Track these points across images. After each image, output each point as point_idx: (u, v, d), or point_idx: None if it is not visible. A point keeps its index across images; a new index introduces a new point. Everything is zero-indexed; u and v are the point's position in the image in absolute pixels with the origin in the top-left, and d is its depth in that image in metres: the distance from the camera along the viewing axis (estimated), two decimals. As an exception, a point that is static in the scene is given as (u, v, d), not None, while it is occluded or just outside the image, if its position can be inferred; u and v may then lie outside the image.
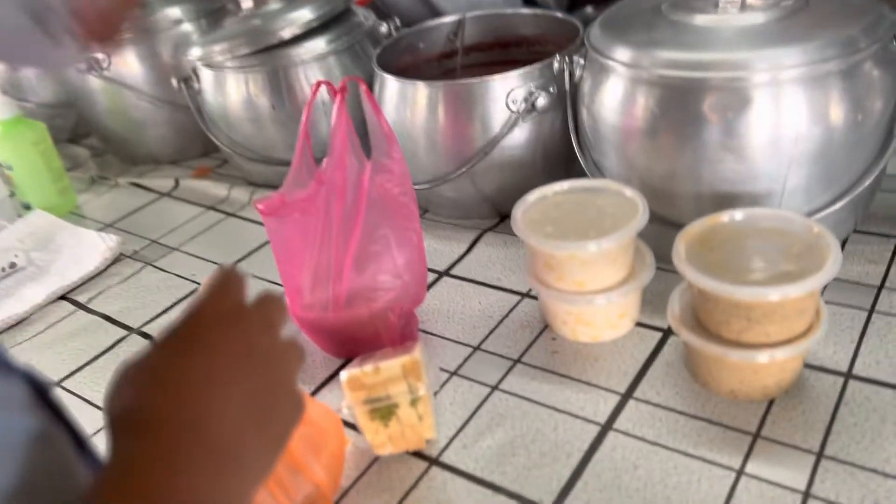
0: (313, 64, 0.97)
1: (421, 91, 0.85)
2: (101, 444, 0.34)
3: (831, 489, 0.51)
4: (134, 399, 0.32)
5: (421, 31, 1.00)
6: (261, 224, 0.67)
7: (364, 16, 1.04)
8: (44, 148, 1.07)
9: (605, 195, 0.69)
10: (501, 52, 1.01)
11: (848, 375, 0.60)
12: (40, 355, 0.81)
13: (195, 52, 1.01)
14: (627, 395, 0.62)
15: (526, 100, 0.81)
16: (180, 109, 1.11)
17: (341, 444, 0.59)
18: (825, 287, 0.66)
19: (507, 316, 0.74)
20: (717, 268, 0.57)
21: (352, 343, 0.68)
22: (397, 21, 1.05)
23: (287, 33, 0.95)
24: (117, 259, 0.96)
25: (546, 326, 0.71)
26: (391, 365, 0.56)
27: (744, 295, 0.54)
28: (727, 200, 0.68)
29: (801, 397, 0.59)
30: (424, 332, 0.74)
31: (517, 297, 0.76)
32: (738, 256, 0.58)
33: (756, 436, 0.56)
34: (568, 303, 0.66)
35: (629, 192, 0.68)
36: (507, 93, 0.82)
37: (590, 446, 0.58)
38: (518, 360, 0.68)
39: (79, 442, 0.36)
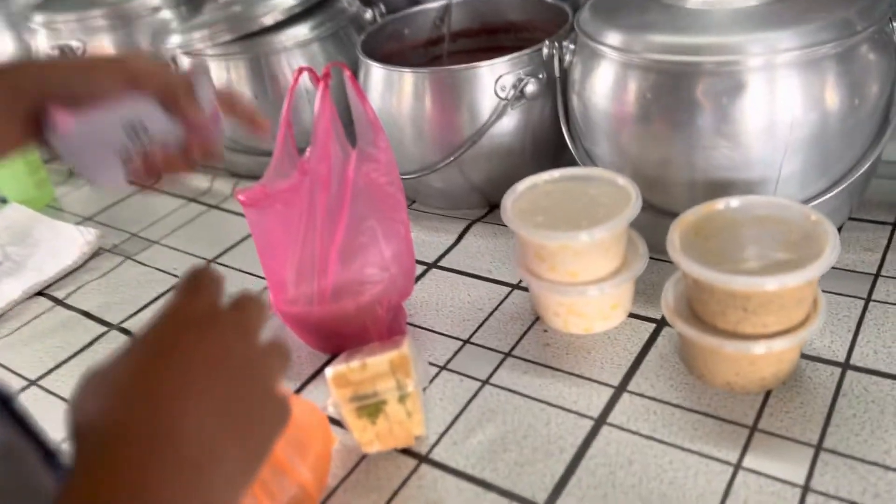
0: (296, 51, 0.95)
1: (407, 78, 0.83)
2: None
3: (831, 483, 0.50)
4: (99, 410, 0.30)
5: (406, 17, 0.98)
6: (244, 216, 0.65)
7: (348, 2, 1.02)
8: (19, 139, 1.04)
9: (596, 184, 0.67)
10: (489, 38, 0.99)
11: (845, 366, 0.59)
12: (17, 353, 0.78)
13: (174, 40, 0.98)
14: (621, 389, 0.61)
15: (515, 87, 0.79)
16: (160, 99, 1.08)
17: (327, 443, 0.57)
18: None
19: (497, 308, 0.72)
20: (712, 257, 0.56)
21: (338, 338, 0.66)
22: (382, 7, 1.03)
23: (269, 19, 0.93)
24: (96, 253, 0.93)
25: (537, 318, 0.70)
26: (379, 361, 0.54)
27: (740, 285, 0.52)
28: (721, 188, 0.66)
29: (798, 389, 0.57)
30: (413, 325, 0.72)
31: (507, 289, 0.75)
32: (734, 245, 0.57)
33: (753, 429, 0.55)
34: (560, 294, 0.64)
35: (621, 180, 0.66)
36: (495, 79, 0.80)
37: (583, 441, 0.56)
38: (509, 354, 0.66)
39: (47, 454, 0.34)
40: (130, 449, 0.29)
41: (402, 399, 0.55)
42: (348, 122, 0.66)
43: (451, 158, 0.83)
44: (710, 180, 0.67)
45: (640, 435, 0.56)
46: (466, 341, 0.69)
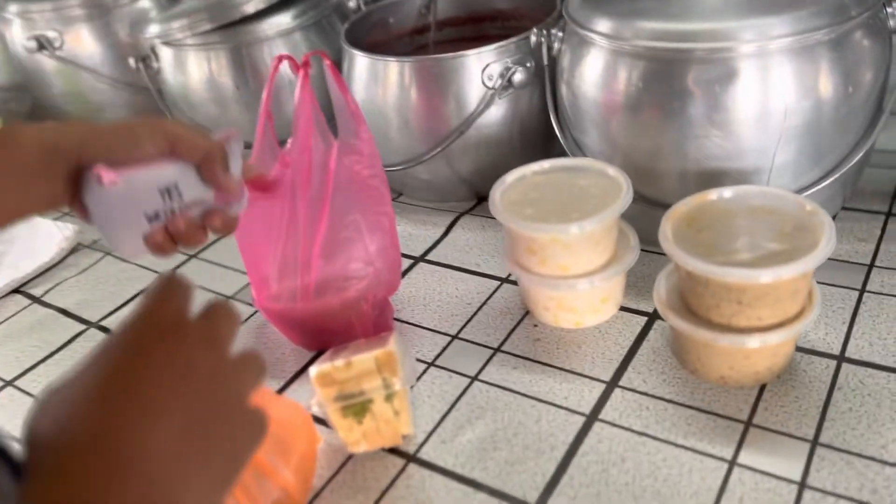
0: (278, 40, 0.93)
1: (392, 68, 0.81)
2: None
3: (828, 479, 0.49)
4: (55, 429, 0.28)
5: (391, 5, 0.96)
6: (226, 210, 0.63)
7: (331, -10, 1.00)
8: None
9: (586, 174, 0.66)
10: (475, 27, 0.98)
11: (841, 358, 0.58)
12: (-8, 353, 0.76)
13: (153, 30, 0.95)
14: (613, 384, 0.59)
15: (502, 75, 0.78)
16: (140, 91, 1.06)
17: (312, 444, 0.55)
18: (814, 267, 0.64)
19: (485, 303, 0.71)
20: (705, 249, 0.54)
21: (323, 334, 0.65)
22: (366, -5, 1.01)
23: (250, 7, 0.90)
24: (74, 249, 0.91)
25: (527, 313, 0.68)
26: (364, 359, 0.52)
27: (735, 277, 0.51)
28: (714, 178, 0.65)
29: (793, 382, 0.56)
30: (399, 321, 0.70)
31: (496, 283, 0.73)
32: (728, 237, 0.56)
33: (748, 424, 0.54)
34: (550, 288, 0.63)
35: (612, 170, 0.65)
36: (482, 68, 0.78)
37: (575, 438, 0.55)
38: (498, 349, 0.65)
39: (18, 471, 0.32)
40: (86, 471, 0.27)
41: (388, 398, 0.53)
42: (330, 112, 0.64)
43: (438, 150, 0.81)
44: (702, 170, 0.65)
45: (633, 431, 0.55)
46: (455, 337, 0.67)
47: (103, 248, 0.91)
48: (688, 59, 0.62)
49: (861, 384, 0.55)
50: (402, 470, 0.55)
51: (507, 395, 0.60)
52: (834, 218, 0.71)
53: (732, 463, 0.51)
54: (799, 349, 0.59)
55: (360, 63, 0.84)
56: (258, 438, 0.33)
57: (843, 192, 0.71)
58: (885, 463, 0.49)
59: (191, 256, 0.86)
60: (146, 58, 1.00)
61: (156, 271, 0.85)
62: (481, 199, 0.88)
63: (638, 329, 0.64)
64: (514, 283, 0.73)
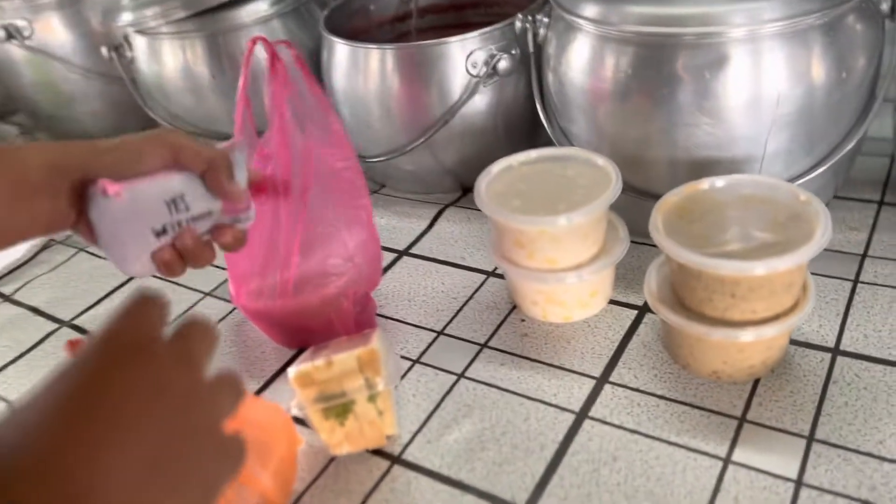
0: (256, 28, 0.90)
1: (373, 56, 0.79)
2: None
3: (825, 476, 0.48)
4: (8, 455, 0.26)
5: (372, -9, 0.94)
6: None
7: (310, -25, 0.97)
8: (-38, 125, 0.98)
9: (574, 164, 0.64)
10: (458, 14, 0.96)
11: (835, 351, 0.56)
12: (-40, 354, 0.73)
13: (126, 18, 0.92)
14: (603, 380, 0.58)
15: (487, 63, 0.76)
16: (114, 81, 1.03)
17: (292, 446, 0.53)
18: (807, 257, 0.63)
19: (472, 297, 0.69)
20: (697, 240, 0.53)
21: (303, 332, 0.62)
22: (346, -19, 0.98)
23: (226, -6, 0.88)
24: (46, 245, 0.88)
25: (514, 307, 0.67)
26: (346, 358, 0.50)
27: (728, 270, 0.50)
28: (704, 167, 0.63)
29: (787, 377, 0.55)
30: (383, 316, 0.68)
31: (482, 277, 0.71)
32: (720, 227, 0.54)
33: (742, 420, 0.52)
34: (539, 282, 0.61)
35: (600, 160, 0.63)
36: (466, 56, 0.76)
37: (564, 437, 0.53)
38: (485, 345, 0.63)
39: None
40: (40, 501, 0.24)
41: (372, 398, 0.51)
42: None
43: (422, 140, 0.79)
44: (692, 159, 0.64)
45: (624, 429, 0.53)
46: (440, 333, 0.65)
47: (76, 245, 0.88)
48: (677, 45, 0.61)
49: (857, 377, 0.54)
50: (387, 472, 0.53)
51: (494, 393, 0.58)
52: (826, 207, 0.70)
53: (727, 461, 0.50)
54: (793, 342, 0.58)
55: (341, 51, 0.81)
56: (234, 467, 0.31)
57: (835, 181, 0.70)
58: (882, 459, 0.48)
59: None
60: (119, 47, 0.97)
61: (131, 268, 0.82)
62: (466, 190, 0.86)
63: (628, 323, 0.63)
64: (501, 276, 0.71)
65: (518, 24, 0.74)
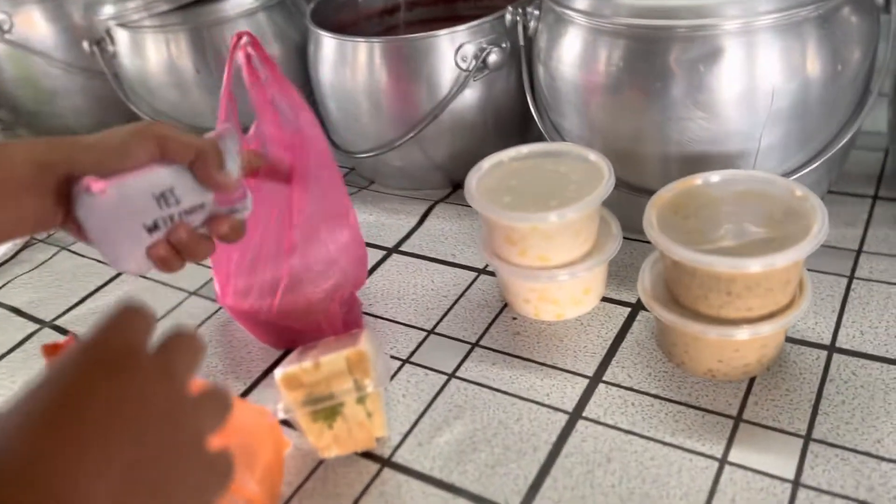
0: (241, 21, 0.88)
1: (361, 49, 0.77)
2: None
3: (822, 476, 0.47)
4: None
5: (360, -16, 0.92)
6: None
7: (296, -32, 0.95)
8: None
9: (566, 160, 0.63)
10: (447, 7, 0.94)
11: (831, 349, 0.56)
12: (-62, 356, 0.71)
13: (108, 11, 0.91)
14: (596, 379, 0.57)
15: (476, 56, 0.74)
16: (96, 76, 1.01)
17: (279, 450, 0.52)
18: (802, 253, 0.62)
19: (462, 295, 0.68)
20: (692, 237, 0.52)
21: (290, 333, 0.61)
22: (333, -26, 0.96)
23: (210, -13, 0.86)
24: (28, 244, 0.87)
25: (505, 305, 0.65)
26: (334, 359, 0.49)
27: (724, 267, 0.49)
28: (698, 163, 0.62)
29: (783, 375, 0.54)
30: (371, 315, 0.67)
31: (473, 274, 0.70)
32: (715, 224, 0.53)
33: (738, 419, 0.51)
34: (531, 279, 0.60)
35: (593, 155, 0.62)
36: (455, 49, 0.75)
37: (558, 438, 0.52)
38: (476, 344, 0.62)
39: None
40: None
41: (361, 400, 0.50)
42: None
43: (411, 135, 0.78)
44: (686, 154, 0.63)
45: (619, 429, 0.52)
46: (430, 332, 0.64)
47: (58, 243, 0.86)
48: (670, 38, 0.60)
49: (853, 375, 0.53)
50: (377, 475, 0.52)
51: (486, 393, 0.57)
52: (820, 202, 0.70)
53: (723, 461, 0.49)
54: (788, 339, 0.57)
55: (328, 45, 0.80)
56: (221, 484, 0.30)
57: (829, 176, 0.69)
58: (880, 458, 0.47)
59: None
60: (101, 41, 0.94)
61: (114, 266, 0.81)
62: (456, 186, 0.84)
63: (621, 321, 0.62)
64: (492, 273, 0.70)
65: (508, 17, 0.73)
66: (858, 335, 0.56)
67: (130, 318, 0.30)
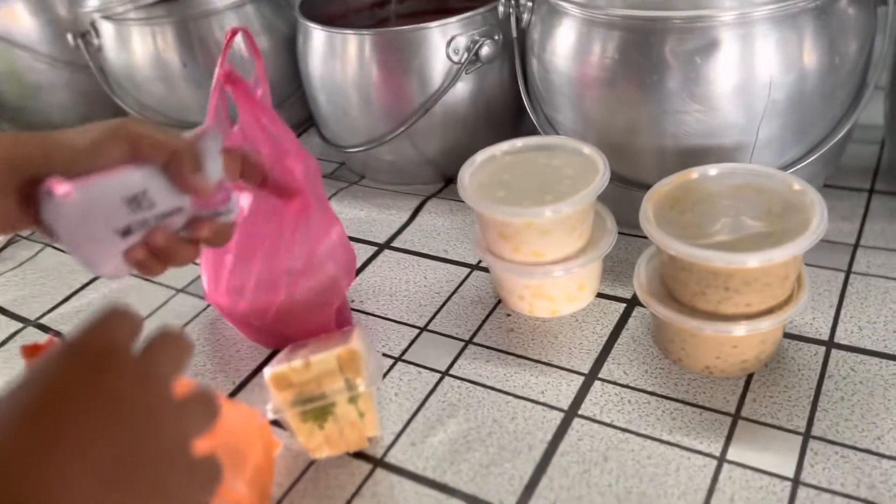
0: (228, 13, 0.87)
1: (351, 42, 0.76)
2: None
3: (823, 475, 0.46)
4: None
5: (349, -25, 0.91)
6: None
7: (285, -40, 0.94)
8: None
9: (560, 154, 0.62)
10: (438, -1, 0.93)
11: (830, 344, 0.55)
12: (-81, 356, 0.70)
13: (92, 3, 0.90)
14: (592, 376, 0.56)
15: (469, 49, 0.73)
16: (81, 70, 0.99)
17: (269, 451, 0.51)
18: (799, 247, 0.61)
19: (455, 291, 0.67)
20: (689, 231, 0.51)
21: (282, 337, 0.60)
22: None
23: (197, -21, 0.84)
24: (11, 241, 0.85)
25: (499, 302, 0.64)
26: (324, 358, 0.48)
27: (722, 262, 0.48)
28: (694, 156, 0.61)
29: (781, 371, 0.53)
30: (364, 312, 0.66)
31: (466, 270, 0.69)
32: (713, 218, 0.52)
33: (736, 416, 0.51)
34: (525, 276, 0.59)
35: (587, 149, 0.61)
36: (447, 42, 0.74)
37: (553, 436, 0.51)
38: (470, 341, 0.61)
39: None
40: None
41: (352, 399, 0.49)
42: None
43: (402, 129, 0.76)
44: (682, 147, 0.62)
45: (615, 427, 0.51)
46: (423, 329, 0.63)
47: (42, 240, 0.85)
48: (666, 29, 0.59)
49: (852, 371, 0.53)
50: (369, 476, 0.51)
51: (480, 391, 0.56)
52: (817, 196, 0.69)
53: (721, 459, 0.48)
54: (786, 335, 0.56)
55: (317, 37, 0.78)
56: (206, 488, 0.29)
57: (825, 170, 0.69)
58: (881, 456, 0.47)
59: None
60: (86, 34, 0.93)
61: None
62: (449, 181, 0.83)
63: (616, 317, 0.61)
64: (486, 269, 0.69)
65: (501, 9, 0.72)
66: (857, 330, 0.56)
67: (114, 320, 0.30)
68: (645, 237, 0.52)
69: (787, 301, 0.51)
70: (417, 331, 0.63)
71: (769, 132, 0.61)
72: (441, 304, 0.65)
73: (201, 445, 0.30)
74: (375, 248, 0.74)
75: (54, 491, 0.24)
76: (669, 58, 0.59)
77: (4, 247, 0.84)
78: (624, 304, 0.62)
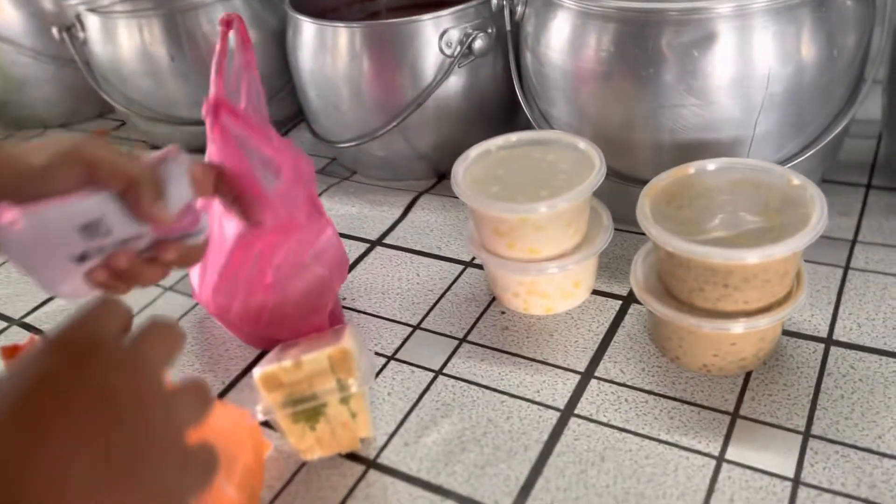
0: (217, 6, 0.85)
1: (341, 35, 0.75)
2: None
3: (823, 474, 0.45)
4: None
5: (340, -32, 0.89)
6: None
7: (274, -48, 0.92)
8: None
9: (555, 148, 0.61)
10: (430, -8, 0.91)
11: (828, 341, 0.54)
12: None
13: (77, -5, 0.87)
14: (588, 375, 0.55)
15: (462, 42, 0.72)
16: (66, 64, 0.98)
17: (259, 453, 0.50)
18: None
19: (449, 289, 0.66)
20: (687, 227, 0.50)
21: (273, 340, 0.58)
22: (313, -42, 0.93)
23: (184, -29, 0.83)
24: (-5, 239, 0.83)
25: (493, 299, 0.63)
26: (316, 358, 0.47)
27: (720, 258, 0.47)
28: (691, 151, 0.61)
29: (780, 369, 0.53)
30: (356, 310, 0.65)
31: (460, 267, 0.68)
32: (711, 214, 0.51)
33: (735, 415, 0.50)
34: (520, 272, 0.58)
35: (583, 144, 0.60)
36: (440, 35, 0.72)
37: (549, 436, 0.50)
38: (464, 340, 0.60)
39: None
40: None
41: (344, 400, 0.48)
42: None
43: (394, 124, 0.75)
44: (679, 142, 0.61)
45: (612, 427, 0.51)
46: (416, 327, 0.62)
47: (27, 237, 0.83)
48: (662, 21, 0.58)
49: (851, 369, 0.52)
50: (362, 477, 0.50)
51: (474, 391, 0.55)
52: (814, 191, 0.68)
53: (720, 459, 0.47)
54: (784, 332, 0.55)
55: (307, 30, 0.77)
56: (200, 479, 0.28)
57: (823, 165, 0.68)
58: (882, 455, 0.46)
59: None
60: (71, 27, 0.91)
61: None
62: (442, 176, 0.82)
63: (612, 314, 0.60)
64: (480, 266, 0.68)
65: (494, 1, 0.71)
66: (856, 327, 0.55)
67: (101, 311, 0.29)
68: (641, 233, 0.51)
69: (786, 298, 0.50)
70: (410, 329, 0.62)
71: (767, 126, 0.60)
72: (434, 301, 0.64)
73: (194, 436, 0.29)
74: (367, 245, 0.73)
75: (48, 486, 0.24)
76: (666, 51, 0.58)
77: (-12, 244, 0.82)
78: (620, 302, 0.61)
